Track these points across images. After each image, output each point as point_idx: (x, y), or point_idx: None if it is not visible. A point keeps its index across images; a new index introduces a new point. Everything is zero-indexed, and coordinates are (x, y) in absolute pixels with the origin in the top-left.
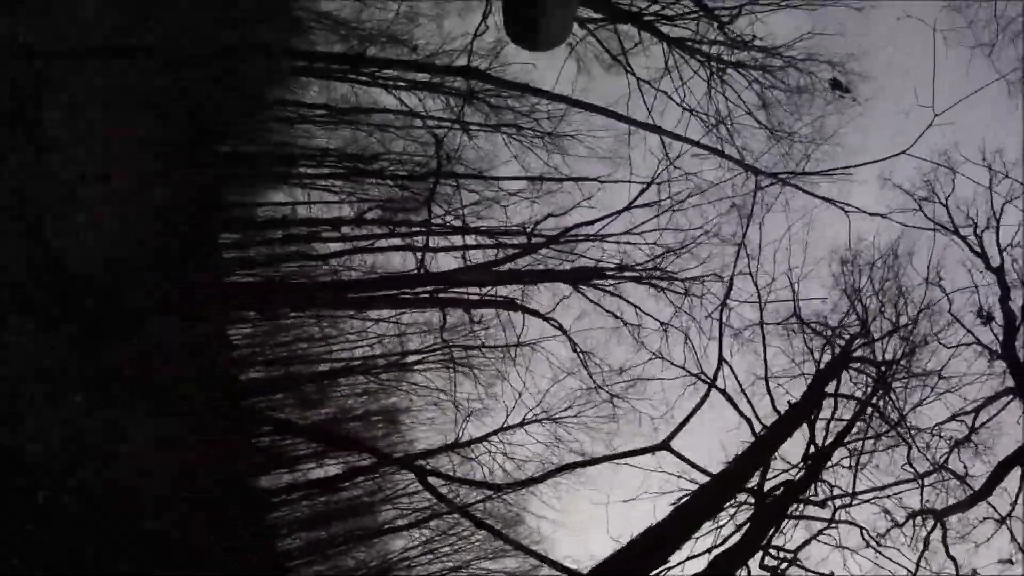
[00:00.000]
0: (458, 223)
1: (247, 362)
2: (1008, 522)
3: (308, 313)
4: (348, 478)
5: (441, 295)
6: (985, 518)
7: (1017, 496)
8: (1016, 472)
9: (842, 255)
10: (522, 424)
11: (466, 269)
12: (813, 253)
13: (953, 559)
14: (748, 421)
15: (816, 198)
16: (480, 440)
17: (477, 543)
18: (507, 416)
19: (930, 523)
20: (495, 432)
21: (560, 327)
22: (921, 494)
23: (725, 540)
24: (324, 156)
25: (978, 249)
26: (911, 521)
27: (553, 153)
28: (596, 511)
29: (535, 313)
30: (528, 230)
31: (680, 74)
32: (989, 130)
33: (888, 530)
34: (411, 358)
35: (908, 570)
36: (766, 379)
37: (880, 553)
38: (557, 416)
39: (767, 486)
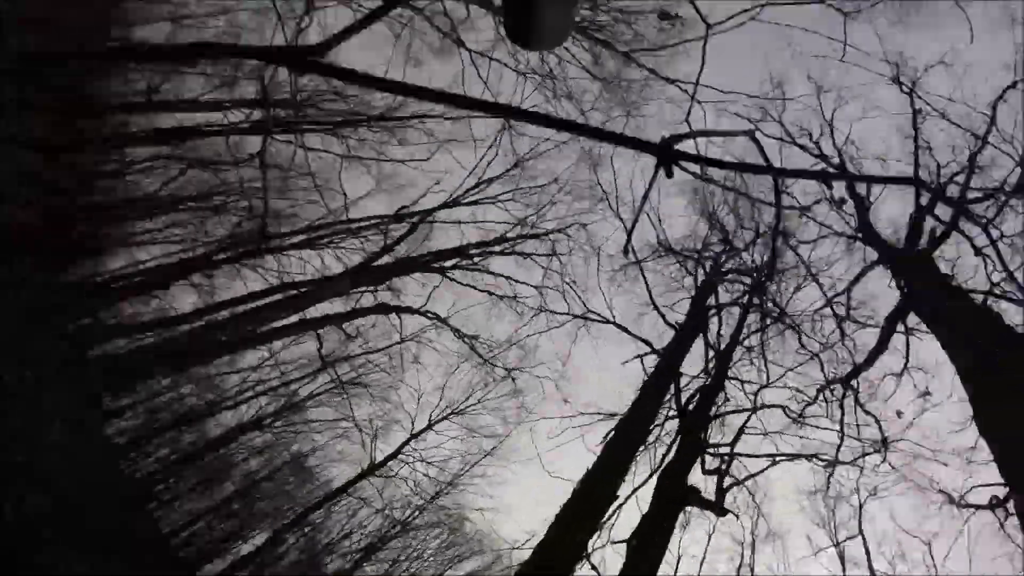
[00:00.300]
0: (306, 236)
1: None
2: (907, 373)
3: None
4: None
5: (309, 317)
6: (885, 375)
7: (907, 350)
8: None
9: (694, 185)
10: (430, 426)
11: (327, 282)
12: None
13: (870, 414)
14: (647, 343)
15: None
16: (394, 455)
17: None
18: (413, 422)
19: (839, 391)
20: (406, 443)
21: (437, 317)
22: (822, 369)
23: (663, 460)
24: (158, 203)
25: (817, 152)
26: (822, 394)
27: (389, 143)
28: (528, 484)
29: (409, 310)
30: (383, 227)
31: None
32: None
33: (804, 408)
34: (301, 393)
35: (837, 432)
36: (653, 303)
37: (805, 425)
38: (461, 408)
39: (683, 398)
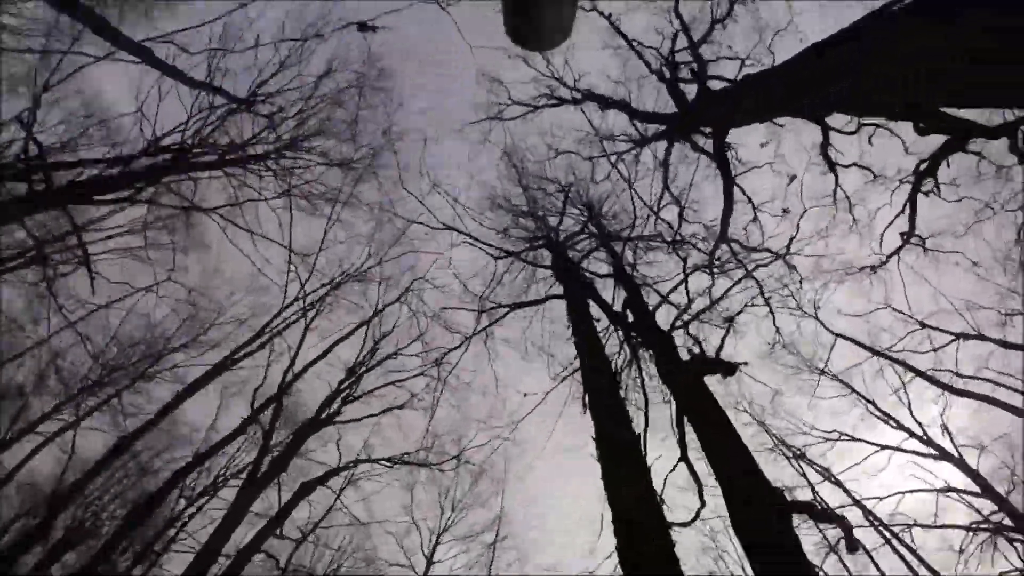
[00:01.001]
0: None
1: None
2: (759, 211)
3: None
4: None
5: (244, 546)
6: (745, 227)
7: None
8: None
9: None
10: (430, 562)
11: (238, 503)
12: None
13: (760, 248)
14: (550, 297)
15: None
16: None
17: None
18: (412, 567)
19: (725, 251)
20: None
21: (358, 461)
22: (696, 248)
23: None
24: None
25: (558, 101)
26: (715, 262)
27: None
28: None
29: (332, 474)
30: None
31: None
32: None
33: (714, 280)
34: None
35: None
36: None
37: (723, 275)
38: (444, 527)
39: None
